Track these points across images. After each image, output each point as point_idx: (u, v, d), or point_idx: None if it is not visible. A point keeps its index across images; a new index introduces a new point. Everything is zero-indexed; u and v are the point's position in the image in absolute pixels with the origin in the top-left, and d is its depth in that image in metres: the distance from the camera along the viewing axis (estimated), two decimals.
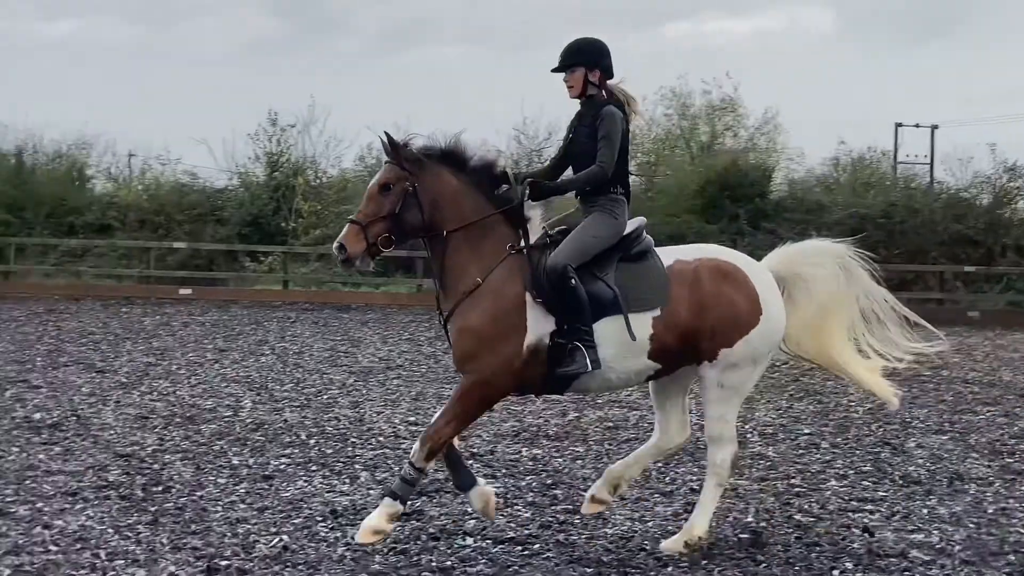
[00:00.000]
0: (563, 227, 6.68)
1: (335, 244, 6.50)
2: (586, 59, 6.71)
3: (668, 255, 6.68)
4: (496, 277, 6.44)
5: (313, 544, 6.53)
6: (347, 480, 8.18)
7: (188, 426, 10.12)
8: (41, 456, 8.69)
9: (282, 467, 8.57)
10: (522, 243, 6.54)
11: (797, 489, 8.23)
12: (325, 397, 12.09)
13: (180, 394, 11.99)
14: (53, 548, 6.30)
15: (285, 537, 6.64)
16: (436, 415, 6.62)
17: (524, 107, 60.36)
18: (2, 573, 5.81)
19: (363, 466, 8.66)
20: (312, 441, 9.64)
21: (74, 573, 5.88)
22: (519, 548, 6.56)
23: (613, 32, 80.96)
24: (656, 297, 6.46)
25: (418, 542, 6.65)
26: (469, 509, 7.40)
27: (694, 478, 8.48)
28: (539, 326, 6.38)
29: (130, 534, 6.59)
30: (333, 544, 6.53)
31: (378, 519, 6.38)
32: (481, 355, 6.36)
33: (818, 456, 9.48)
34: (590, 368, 6.33)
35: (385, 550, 6.44)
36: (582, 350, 6.33)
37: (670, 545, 6.50)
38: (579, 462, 9.01)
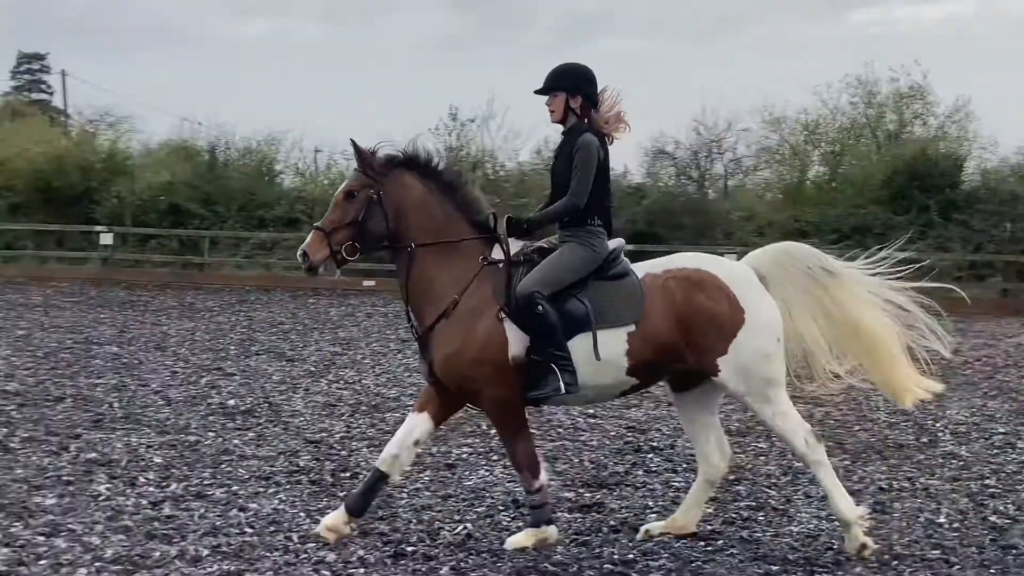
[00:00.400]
0: (542, 245, 6.55)
1: (299, 251, 6.50)
2: (568, 84, 6.54)
3: (639, 270, 6.49)
4: (472, 294, 6.37)
5: (496, 532, 6.60)
6: None
7: (373, 414, 10.37)
8: (236, 441, 9.03)
9: (464, 456, 8.69)
10: (494, 257, 6.45)
11: (992, 490, 7.92)
12: None
13: (365, 383, 12.29)
14: (248, 530, 6.53)
15: (469, 525, 6.74)
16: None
17: (703, 97, 59.93)
18: (201, 553, 6.06)
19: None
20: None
21: (268, 555, 6.08)
22: (702, 544, 6.49)
23: (798, 18, 79.35)
24: (630, 313, 6.30)
25: (599, 534, 6.66)
26: (650, 503, 7.39)
27: (882, 476, 8.26)
28: (519, 340, 6.30)
29: (320, 518, 6.76)
30: (516, 533, 6.57)
31: (530, 543, 6.33)
32: (478, 377, 6.31)
33: (1014, 456, 9.11)
34: (563, 391, 6.22)
35: (567, 541, 6.47)
36: (555, 372, 6.21)
37: (851, 545, 6.34)
38: (762, 458, 8.86)
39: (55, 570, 5.73)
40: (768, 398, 6.36)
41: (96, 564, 5.83)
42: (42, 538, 6.24)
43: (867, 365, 6.68)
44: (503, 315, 6.28)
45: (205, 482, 7.64)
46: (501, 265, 6.42)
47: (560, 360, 6.21)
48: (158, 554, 6.01)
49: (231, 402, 10.85)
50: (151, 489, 7.41)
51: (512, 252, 6.47)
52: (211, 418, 10.03)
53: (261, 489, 7.50)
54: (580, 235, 6.45)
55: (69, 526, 6.48)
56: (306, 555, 6.08)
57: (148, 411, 10.27)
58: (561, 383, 6.20)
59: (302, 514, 6.89)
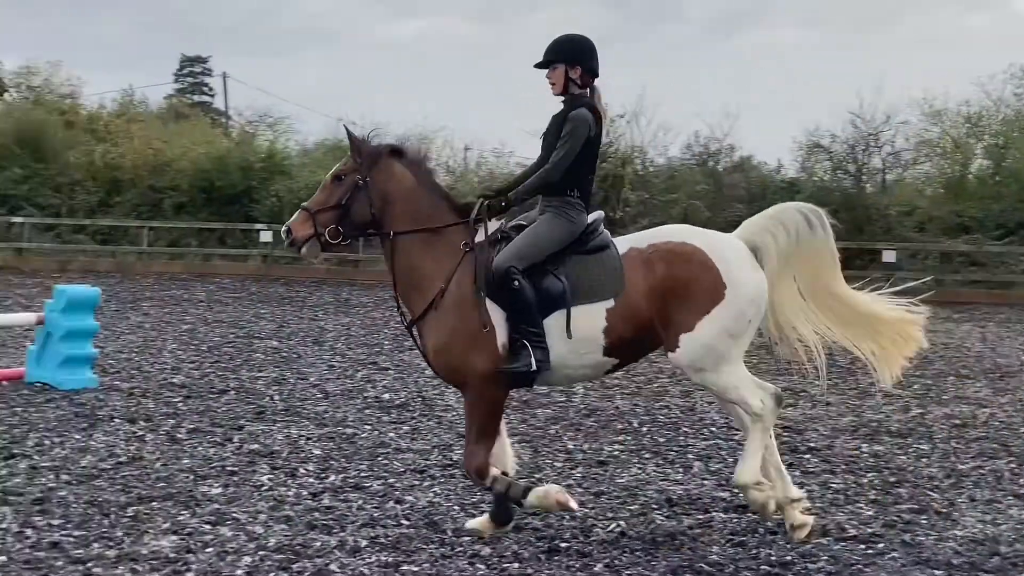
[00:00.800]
0: (520, 223, 6.45)
1: (283, 227, 6.52)
2: (566, 56, 6.45)
3: (623, 243, 6.35)
4: (458, 282, 6.30)
5: (649, 531, 6.56)
6: (680, 469, 8.17)
7: (524, 410, 10.41)
8: (391, 435, 9.19)
9: (615, 453, 8.67)
10: (475, 239, 6.38)
11: None
12: (655, 385, 12.13)
13: None
14: (404, 523, 6.64)
15: (622, 523, 6.71)
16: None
17: (861, 90, 58.40)
18: (360, 544, 6.18)
19: (696, 456, 8.63)
20: (644, 429, 9.71)
21: (424, 547, 6.17)
22: (862, 547, 6.34)
23: (958, 8, 76.74)
24: (609, 287, 6.16)
25: (755, 535, 6.56)
26: (807, 504, 7.23)
27: None
28: (504, 327, 6.20)
29: (474, 512, 6.83)
30: (671, 532, 6.54)
31: (545, 502, 6.19)
32: (468, 368, 6.22)
33: None
34: (534, 367, 6.10)
35: (722, 541, 6.39)
36: (528, 348, 6.11)
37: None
38: (924, 460, 8.62)
39: (221, 557, 5.91)
40: (720, 372, 6.19)
41: (260, 553, 5.99)
42: (208, 526, 6.45)
43: (860, 334, 6.48)
44: (487, 329, 6.22)
45: (362, 474, 7.79)
46: (481, 248, 6.39)
47: (533, 337, 6.16)
48: (319, 544, 6.15)
49: (386, 396, 11.05)
50: (311, 480, 7.59)
51: (491, 231, 6.43)
52: (367, 411, 10.23)
53: (416, 482, 7.61)
54: (557, 206, 6.41)
55: (233, 515, 6.68)
56: (461, 548, 6.15)
57: (307, 404, 10.53)
58: (533, 360, 6.13)
59: (456, 507, 6.97)
